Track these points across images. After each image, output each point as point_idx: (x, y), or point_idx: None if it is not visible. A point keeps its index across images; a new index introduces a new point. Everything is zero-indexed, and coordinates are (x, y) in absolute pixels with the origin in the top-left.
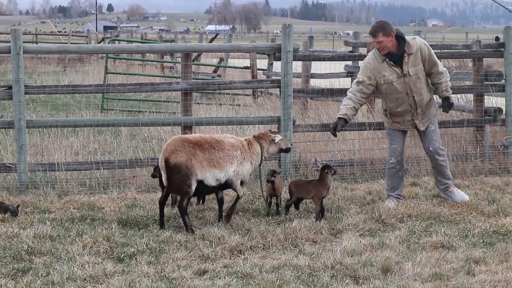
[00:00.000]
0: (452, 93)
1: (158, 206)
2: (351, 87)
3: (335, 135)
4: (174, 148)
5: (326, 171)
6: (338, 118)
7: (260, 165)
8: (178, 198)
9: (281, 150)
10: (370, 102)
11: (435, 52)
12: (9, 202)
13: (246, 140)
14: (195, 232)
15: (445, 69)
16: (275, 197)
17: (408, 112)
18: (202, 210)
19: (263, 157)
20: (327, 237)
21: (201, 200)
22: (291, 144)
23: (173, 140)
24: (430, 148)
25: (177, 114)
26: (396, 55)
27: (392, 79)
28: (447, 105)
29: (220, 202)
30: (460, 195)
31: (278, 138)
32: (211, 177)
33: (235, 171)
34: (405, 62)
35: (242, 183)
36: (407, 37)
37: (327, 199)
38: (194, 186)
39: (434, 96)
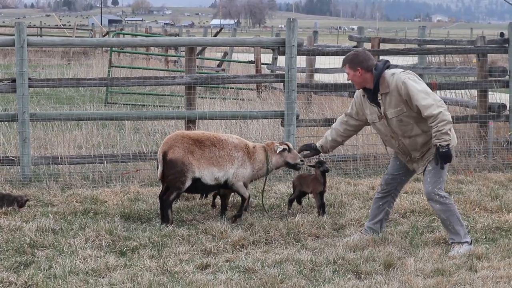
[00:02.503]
0: (456, 90)
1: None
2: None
3: (302, 156)
4: (172, 143)
5: (315, 167)
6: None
7: (266, 175)
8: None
9: (288, 165)
10: None
11: (437, 49)
12: (17, 194)
13: (253, 145)
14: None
15: (438, 110)
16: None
17: (401, 155)
18: (205, 204)
19: (269, 167)
20: (330, 232)
21: (204, 195)
22: (302, 161)
23: (173, 135)
24: (424, 191)
25: (180, 108)
26: (371, 92)
27: (374, 120)
28: (435, 156)
29: (222, 198)
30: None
31: (280, 148)
32: (209, 176)
33: (235, 173)
34: (380, 102)
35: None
36: (386, 72)
37: (329, 194)
38: (188, 183)
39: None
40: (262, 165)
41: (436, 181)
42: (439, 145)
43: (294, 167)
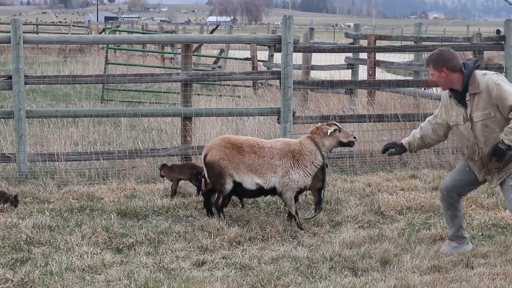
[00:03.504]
0: None
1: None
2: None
3: (387, 154)
4: (212, 146)
5: None
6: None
7: (324, 161)
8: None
9: (341, 144)
10: (370, 94)
11: (434, 46)
12: (9, 192)
13: (299, 141)
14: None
15: None
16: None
17: (478, 165)
18: (202, 201)
19: (323, 153)
20: (326, 229)
21: (200, 191)
22: (355, 138)
23: (216, 139)
24: (508, 207)
25: (177, 105)
26: (459, 93)
27: (458, 122)
28: (493, 148)
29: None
30: None
31: (330, 130)
32: (249, 181)
33: (282, 182)
34: (468, 103)
35: (301, 190)
36: (477, 72)
37: (326, 191)
38: (229, 185)
39: None
40: (314, 155)
41: None
42: (502, 140)
43: (349, 145)
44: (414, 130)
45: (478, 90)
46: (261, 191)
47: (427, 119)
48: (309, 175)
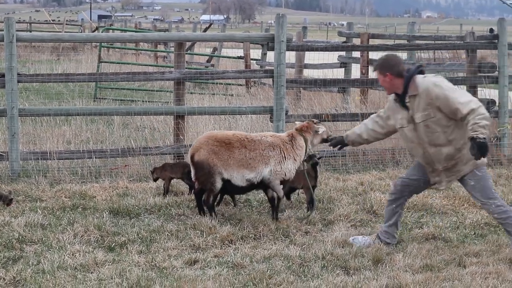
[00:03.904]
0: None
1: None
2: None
3: (330, 145)
4: (199, 145)
5: (305, 160)
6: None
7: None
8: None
9: (323, 141)
10: (363, 93)
11: (427, 44)
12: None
13: (288, 135)
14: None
15: (477, 105)
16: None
17: (425, 165)
18: (194, 199)
19: (308, 150)
20: (319, 228)
21: (192, 190)
22: (331, 134)
23: (201, 137)
24: (479, 204)
25: (170, 103)
26: (401, 96)
27: (403, 124)
28: (471, 147)
29: (271, 201)
30: None
31: (322, 129)
32: (239, 177)
33: (272, 170)
34: (408, 105)
35: (285, 181)
36: (417, 76)
37: (318, 190)
38: (218, 183)
39: None
40: (303, 151)
41: (487, 194)
42: (476, 136)
43: (327, 141)
44: (356, 126)
45: (416, 92)
46: (250, 186)
47: (371, 117)
48: (294, 168)
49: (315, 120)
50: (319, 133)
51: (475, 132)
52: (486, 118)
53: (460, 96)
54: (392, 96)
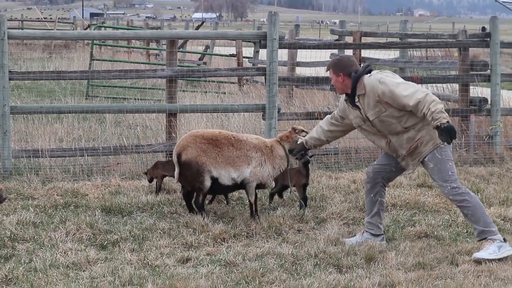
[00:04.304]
0: (437, 84)
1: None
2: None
3: (296, 158)
4: (185, 143)
5: (297, 158)
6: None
7: (287, 167)
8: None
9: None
10: None
11: (419, 43)
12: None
13: (270, 142)
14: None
15: (423, 93)
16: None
17: (392, 153)
18: None
19: (290, 160)
20: (311, 226)
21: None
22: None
23: (187, 135)
24: (439, 188)
25: (162, 101)
26: (351, 96)
27: (359, 123)
28: (439, 135)
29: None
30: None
31: (301, 140)
32: (226, 176)
33: (252, 172)
34: (358, 104)
35: (262, 186)
36: (365, 75)
37: (310, 188)
38: (207, 182)
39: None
40: (282, 161)
41: (444, 176)
42: (440, 123)
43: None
44: (313, 129)
45: (363, 91)
46: (234, 186)
47: (326, 119)
48: (272, 176)
49: (297, 129)
50: (298, 142)
51: (436, 121)
52: (438, 102)
53: (405, 90)
54: (343, 96)
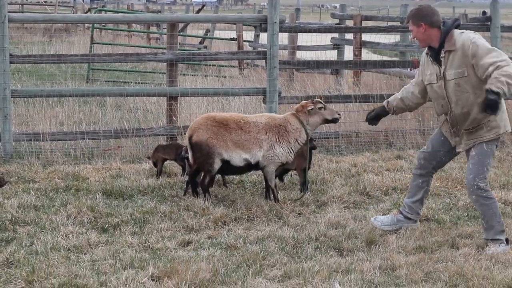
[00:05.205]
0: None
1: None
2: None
3: (370, 123)
4: (197, 125)
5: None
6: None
7: (307, 139)
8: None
9: (326, 121)
10: (356, 74)
11: None
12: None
13: (284, 118)
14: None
15: (502, 62)
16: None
17: (448, 124)
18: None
19: (308, 131)
20: (312, 209)
21: (186, 172)
22: (339, 114)
23: (199, 118)
24: (465, 180)
25: (162, 85)
26: (435, 50)
27: (432, 80)
28: (482, 100)
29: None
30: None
31: (310, 107)
32: (237, 158)
33: (265, 155)
34: (442, 60)
35: (283, 165)
36: (455, 30)
37: (311, 172)
38: (217, 165)
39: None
40: (299, 133)
41: (479, 169)
42: (490, 89)
43: (333, 121)
44: (399, 92)
45: (454, 47)
46: (248, 167)
47: (411, 81)
48: (292, 151)
49: (314, 100)
50: (311, 112)
51: (491, 85)
52: (509, 76)
53: (492, 57)
54: (425, 50)
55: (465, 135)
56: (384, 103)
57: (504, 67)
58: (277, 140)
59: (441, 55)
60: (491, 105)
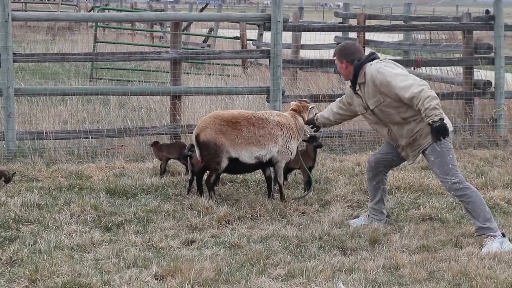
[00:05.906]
0: (441, 67)
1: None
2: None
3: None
4: (204, 124)
5: (308, 141)
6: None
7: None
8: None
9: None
10: None
11: (423, 25)
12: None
13: (291, 116)
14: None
15: (419, 88)
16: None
17: (392, 142)
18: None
19: (306, 130)
20: (315, 208)
21: (188, 170)
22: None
23: (207, 116)
24: (440, 183)
25: (166, 83)
26: (352, 83)
27: (361, 111)
28: (431, 133)
29: (268, 179)
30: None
31: (311, 105)
32: (247, 155)
33: (280, 151)
34: (359, 92)
35: (289, 170)
36: (368, 63)
37: (315, 170)
38: (224, 163)
39: None
40: (303, 131)
41: (444, 169)
42: (432, 121)
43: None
44: (325, 109)
45: (363, 80)
46: (258, 164)
47: (337, 100)
48: (297, 149)
49: (307, 100)
50: (311, 111)
51: (429, 118)
52: (434, 98)
53: (401, 81)
54: (348, 83)
55: (407, 148)
56: (315, 117)
57: (421, 95)
58: (291, 136)
59: (356, 88)
60: (439, 131)
